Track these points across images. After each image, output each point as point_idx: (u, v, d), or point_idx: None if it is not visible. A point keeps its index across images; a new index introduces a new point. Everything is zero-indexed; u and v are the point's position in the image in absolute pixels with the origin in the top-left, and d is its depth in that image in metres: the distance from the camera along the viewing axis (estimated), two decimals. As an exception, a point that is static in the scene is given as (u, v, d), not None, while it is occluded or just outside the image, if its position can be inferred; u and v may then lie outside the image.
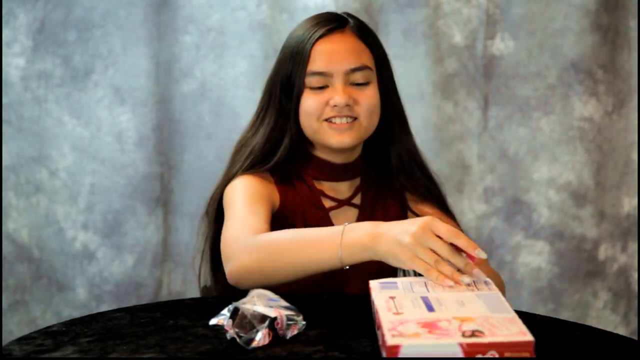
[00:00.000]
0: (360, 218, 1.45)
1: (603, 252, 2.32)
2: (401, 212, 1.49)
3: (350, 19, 1.44)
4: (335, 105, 1.37)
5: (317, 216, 1.43)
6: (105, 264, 2.32)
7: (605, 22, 2.24)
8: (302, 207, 1.43)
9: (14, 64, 2.28)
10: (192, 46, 2.27)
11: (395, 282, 1.10)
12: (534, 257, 2.31)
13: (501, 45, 2.26)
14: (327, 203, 1.45)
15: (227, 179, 1.43)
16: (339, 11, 1.49)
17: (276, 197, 1.42)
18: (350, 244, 1.14)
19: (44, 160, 2.31)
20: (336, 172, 1.45)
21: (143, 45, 2.26)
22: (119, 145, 2.29)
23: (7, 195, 2.33)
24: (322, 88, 1.38)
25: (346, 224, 1.18)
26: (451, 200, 1.66)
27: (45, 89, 2.29)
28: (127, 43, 2.26)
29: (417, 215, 1.46)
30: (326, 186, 1.46)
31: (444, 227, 1.09)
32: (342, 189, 1.47)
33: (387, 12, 2.24)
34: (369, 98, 1.39)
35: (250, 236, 1.25)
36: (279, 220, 1.41)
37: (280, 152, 1.42)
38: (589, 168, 2.28)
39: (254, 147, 1.43)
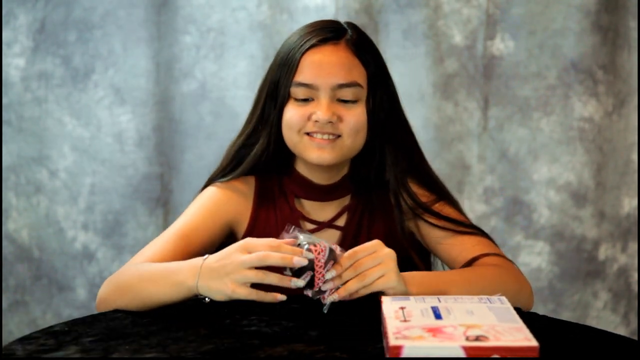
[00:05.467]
0: (343, 240, 1.37)
1: (603, 252, 2.32)
2: (389, 232, 1.37)
3: (349, 30, 1.34)
4: (317, 121, 1.29)
5: None
6: (105, 264, 2.32)
7: (605, 22, 2.24)
8: (277, 229, 1.35)
9: (14, 65, 2.28)
10: (192, 46, 2.27)
11: (408, 297, 1.08)
12: (534, 257, 2.31)
13: (501, 45, 2.26)
14: (307, 226, 1.38)
15: (207, 181, 1.41)
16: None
17: (243, 213, 1.38)
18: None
19: (44, 161, 2.31)
20: (317, 193, 1.38)
21: (143, 45, 2.26)
22: (119, 145, 2.29)
23: (7, 195, 2.33)
24: (306, 100, 1.31)
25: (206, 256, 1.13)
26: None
27: (46, 90, 2.29)
28: (128, 43, 2.27)
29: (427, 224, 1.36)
30: (307, 206, 1.39)
31: (261, 242, 1.08)
32: (327, 209, 1.39)
33: (387, 12, 2.24)
34: (354, 117, 1.31)
35: (134, 264, 1.26)
36: None
37: (249, 160, 1.37)
38: (589, 168, 2.28)
39: (230, 151, 1.40)
